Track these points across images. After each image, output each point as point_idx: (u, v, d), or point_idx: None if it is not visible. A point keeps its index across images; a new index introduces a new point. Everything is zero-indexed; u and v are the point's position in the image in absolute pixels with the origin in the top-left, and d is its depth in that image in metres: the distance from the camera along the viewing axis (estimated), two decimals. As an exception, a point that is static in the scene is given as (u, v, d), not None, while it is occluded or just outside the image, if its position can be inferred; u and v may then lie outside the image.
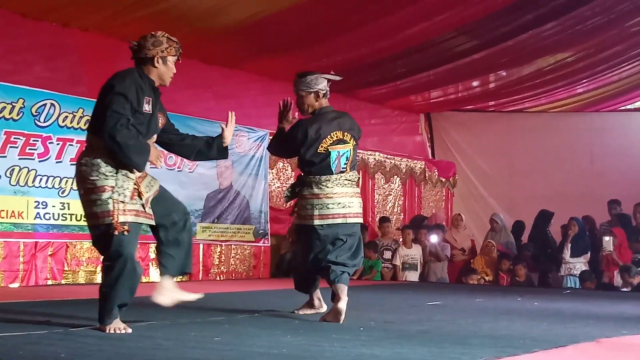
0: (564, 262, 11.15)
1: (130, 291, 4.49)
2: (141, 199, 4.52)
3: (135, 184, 4.49)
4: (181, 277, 4.93)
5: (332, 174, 5.49)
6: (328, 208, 5.45)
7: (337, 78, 5.81)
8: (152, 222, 4.61)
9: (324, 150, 5.49)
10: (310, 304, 5.83)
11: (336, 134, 5.57)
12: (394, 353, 3.83)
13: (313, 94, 5.67)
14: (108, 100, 4.45)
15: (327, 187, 5.46)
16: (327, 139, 5.51)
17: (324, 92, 5.71)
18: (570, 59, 11.93)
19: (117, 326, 4.43)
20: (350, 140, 5.62)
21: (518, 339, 4.56)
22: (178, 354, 3.72)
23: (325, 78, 5.73)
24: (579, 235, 11.10)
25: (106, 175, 4.43)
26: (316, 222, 5.45)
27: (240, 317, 5.53)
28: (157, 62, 4.81)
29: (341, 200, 5.48)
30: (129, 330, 4.42)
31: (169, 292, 4.81)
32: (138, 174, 4.54)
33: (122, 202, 4.41)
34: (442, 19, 10.06)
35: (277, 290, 8.45)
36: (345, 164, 5.57)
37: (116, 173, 4.44)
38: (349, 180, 5.57)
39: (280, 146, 5.78)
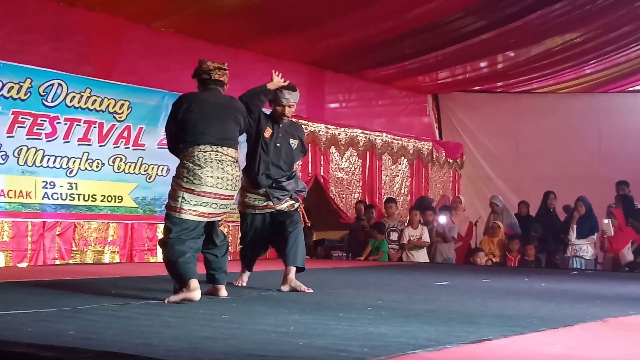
0: (569, 244, 11.13)
1: None
2: None
3: None
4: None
5: None
6: None
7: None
8: None
9: None
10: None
11: None
12: (401, 331, 3.84)
13: None
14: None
15: None
16: None
17: None
18: (578, 39, 11.87)
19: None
20: None
21: (525, 318, 4.56)
22: (186, 331, 3.73)
23: None
24: (586, 217, 11.08)
25: None
26: None
27: (247, 296, 5.56)
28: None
29: None
30: None
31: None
32: None
33: None
34: (450, -1, 10.03)
35: (284, 270, 8.45)
36: None
37: None
38: None
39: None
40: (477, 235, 12.31)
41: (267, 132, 6.03)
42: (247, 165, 6.09)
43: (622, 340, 4.01)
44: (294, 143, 6.16)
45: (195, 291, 4.96)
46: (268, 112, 6.18)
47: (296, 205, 6.18)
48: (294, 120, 6.45)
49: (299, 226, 6.07)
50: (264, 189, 6.03)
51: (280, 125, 6.10)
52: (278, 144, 6.06)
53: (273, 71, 6.01)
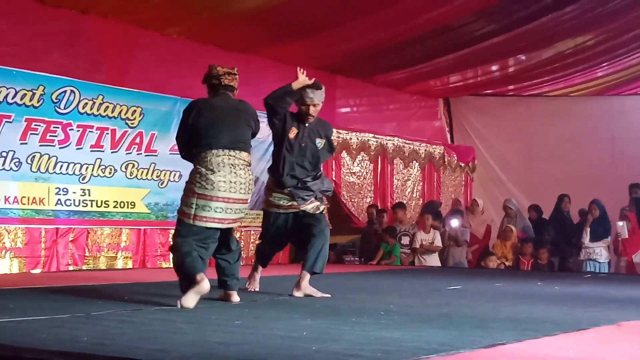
0: (583, 247, 11.08)
1: None
2: None
3: None
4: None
5: None
6: None
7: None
8: None
9: None
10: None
11: None
12: (414, 336, 3.83)
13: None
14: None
15: None
16: None
17: None
18: (590, 42, 11.82)
19: None
20: None
21: (538, 322, 4.55)
22: (199, 337, 3.74)
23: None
24: (600, 219, 11.03)
25: None
26: None
27: (260, 301, 5.56)
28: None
29: None
30: None
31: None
32: None
33: None
34: (461, 3, 9.99)
35: (297, 275, 8.46)
36: None
37: None
38: None
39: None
40: (492, 239, 12.27)
41: (292, 132, 5.96)
42: (272, 165, 6.07)
43: (636, 344, 4.00)
44: (320, 143, 6.08)
45: (202, 282, 4.97)
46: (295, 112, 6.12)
47: (322, 207, 6.12)
48: (321, 119, 6.28)
49: (326, 231, 6.01)
50: (289, 189, 5.99)
51: (306, 125, 6.04)
52: (303, 144, 5.99)
53: (298, 69, 5.91)
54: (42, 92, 8.39)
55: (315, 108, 6.02)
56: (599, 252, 10.99)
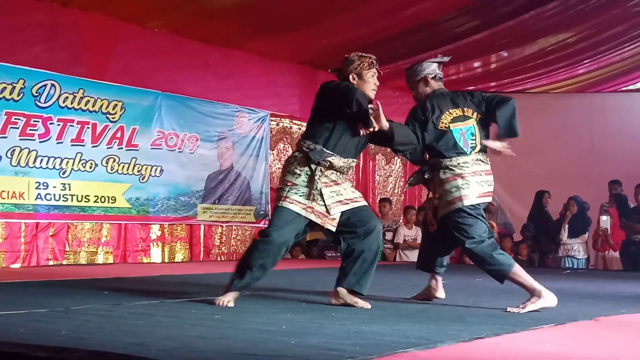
0: (561, 244, 11.15)
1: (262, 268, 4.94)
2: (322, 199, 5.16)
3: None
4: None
5: (465, 153, 5.38)
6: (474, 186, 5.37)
7: (445, 59, 5.75)
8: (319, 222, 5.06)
9: (444, 128, 5.34)
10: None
11: (454, 111, 5.43)
12: (393, 330, 3.85)
13: (422, 81, 5.60)
14: None
15: (467, 167, 5.38)
16: (444, 116, 5.38)
17: (432, 75, 5.59)
18: (571, 39, 11.89)
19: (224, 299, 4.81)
20: (472, 115, 5.46)
21: (517, 317, 4.58)
22: (178, 331, 3.73)
23: (432, 62, 5.64)
24: (578, 215, 11.09)
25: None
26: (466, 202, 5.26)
27: (240, 296, 5.55)
28: (353, 79, 5.26)
29: (479, 179, 5.44)
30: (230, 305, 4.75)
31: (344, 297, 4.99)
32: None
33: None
34: (443, -1, 10.04)
35: (277, 270, 8.45)
36: (472, 140, 5.46)
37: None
38: (480, 159, 5.53)
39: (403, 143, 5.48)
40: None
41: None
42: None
43: (613, 338, 4.03)
44: None
45: (228, 299, 4.87)
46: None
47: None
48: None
49: None
50: None
51: None
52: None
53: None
54: (23, 86, 8.34)
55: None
56: (577, 249, 11.06)
